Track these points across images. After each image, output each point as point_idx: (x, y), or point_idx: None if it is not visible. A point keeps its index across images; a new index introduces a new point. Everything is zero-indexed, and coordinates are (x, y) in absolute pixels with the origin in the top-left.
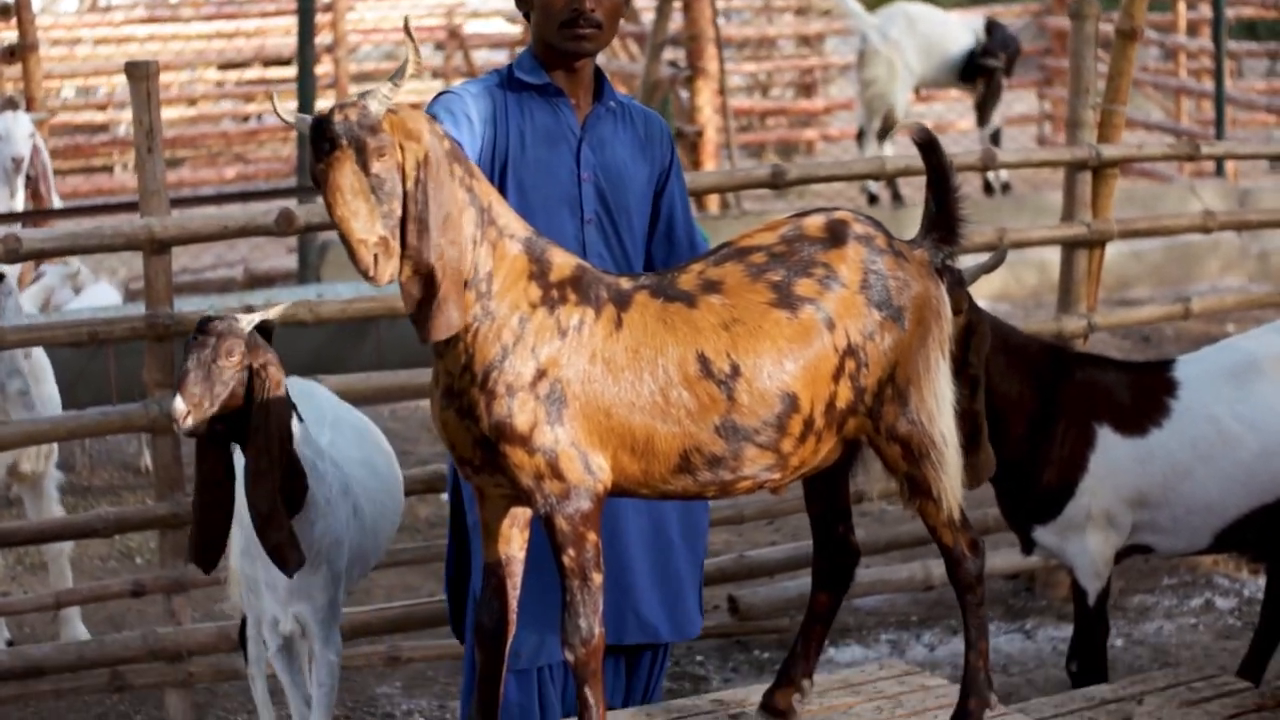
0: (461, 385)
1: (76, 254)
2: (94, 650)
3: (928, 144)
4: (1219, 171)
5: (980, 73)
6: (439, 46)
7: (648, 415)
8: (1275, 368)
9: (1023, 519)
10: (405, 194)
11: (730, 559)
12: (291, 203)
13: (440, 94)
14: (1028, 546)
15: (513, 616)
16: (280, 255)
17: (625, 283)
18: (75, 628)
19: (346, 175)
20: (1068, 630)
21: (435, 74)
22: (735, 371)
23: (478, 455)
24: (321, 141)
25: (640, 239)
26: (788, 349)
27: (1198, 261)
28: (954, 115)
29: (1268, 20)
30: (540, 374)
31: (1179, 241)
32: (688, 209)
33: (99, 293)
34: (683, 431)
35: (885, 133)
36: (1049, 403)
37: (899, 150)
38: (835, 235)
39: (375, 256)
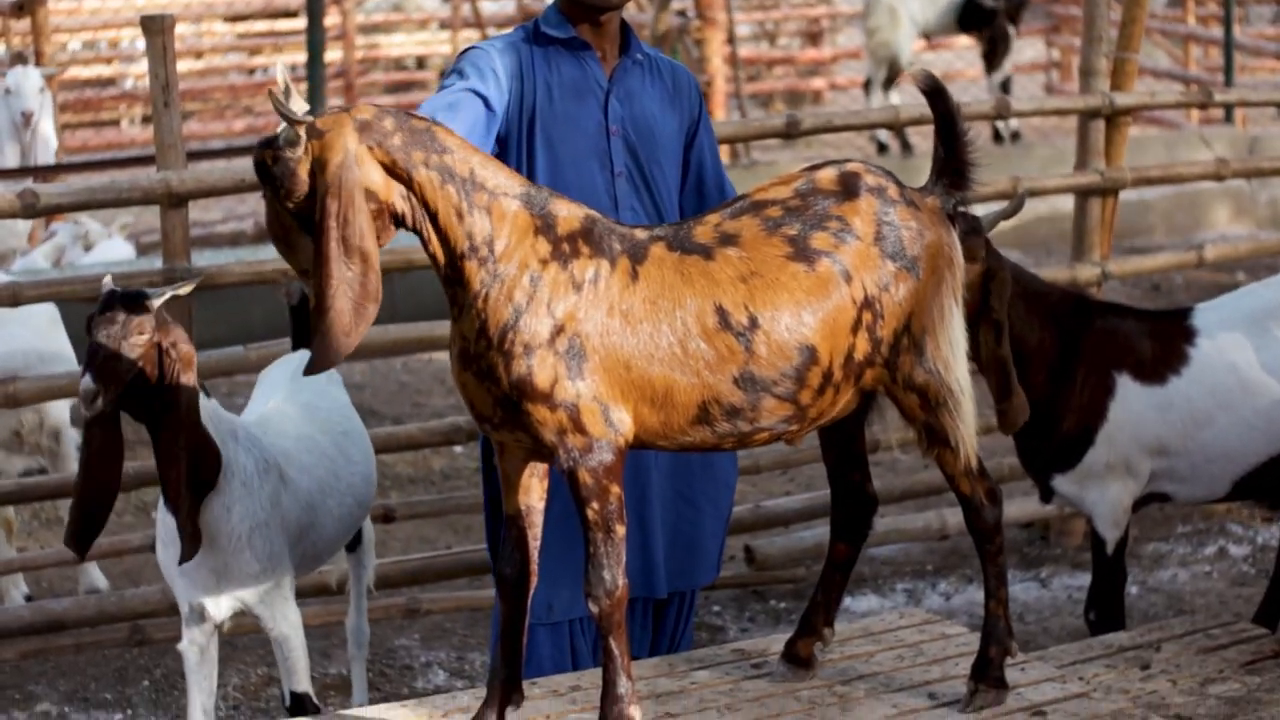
0: (478, 349)
1: (93, 208)
2: (114, 604)
3: (934, 90)
4: (1228, 119)
5: (984, 20)
6: None
7: (667, 367)
8: None
9: (1041, 467)
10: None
11: (746, 509)
12: None
13: (466, 50)
14: (1046, 495)
15: (534, 567)
16: None
17: (640, 234)
18: (94, 577)
19: (273, 214)
20: (1083, 578)
21: (443, 25)
22: (753, 324)
23: (498, 413)
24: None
25: (673, 192)
26: (805, 301)
27: (1206, 209)
28: (962, 63)
29: None
30: (558, 329)
31: (1187, 189)
32: (718, 161)
33: (111, 248)
34: (701, 383)
35: (890, 81)
36: (1069, 350)
37: (906, 99)
38: (848, 188)
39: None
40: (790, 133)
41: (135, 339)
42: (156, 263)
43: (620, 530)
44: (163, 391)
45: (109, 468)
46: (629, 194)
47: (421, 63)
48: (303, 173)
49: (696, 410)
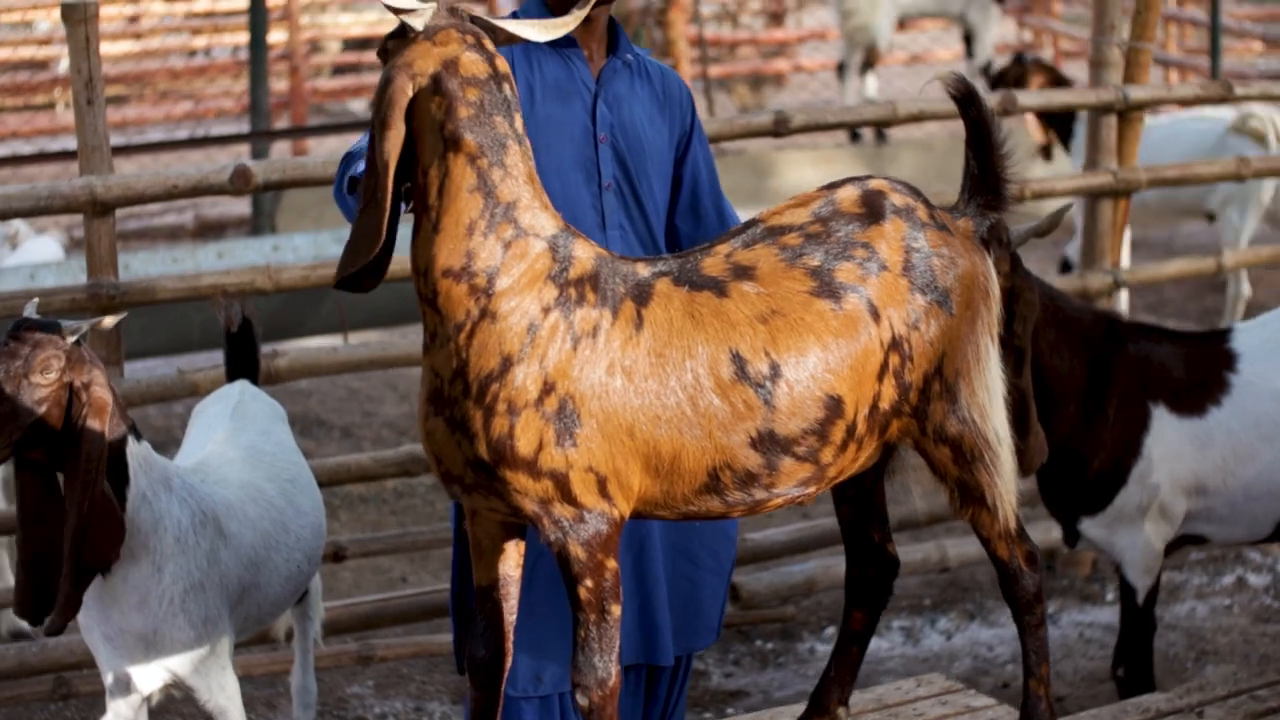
0: (453, 393)
1: (9, 218)
2: (35, 655)
3: (966, 97)
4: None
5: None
6: None
7: (674, 429)
8: None
9: (1068, 508)
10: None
11: None
12: (245, 150)
13: None
14: (1071, 538)
15: (509, 645)
16: (232, 200)
17: (643, 269)
18: (16, 619)
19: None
20: (1094, 613)
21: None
22: (775, 372)
23: (469, 475)
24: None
25: (662, 208)
26: (832, 344)
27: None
28: (937, 46)
29: None
30: (548, 388)
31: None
32: (714, 177)
33: (39, 247)
34: (714, 445)
35: (868, 66)
36: (1100, 380)
37: (881, 84)
38: (873, 209)
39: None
40: (779, 131)
41: (39, 378)
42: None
43: (616, 611)
44: (70, 439)
45: (50, 518)
46: (617, 209)
47: (368, 44)
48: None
49: (705, 478)
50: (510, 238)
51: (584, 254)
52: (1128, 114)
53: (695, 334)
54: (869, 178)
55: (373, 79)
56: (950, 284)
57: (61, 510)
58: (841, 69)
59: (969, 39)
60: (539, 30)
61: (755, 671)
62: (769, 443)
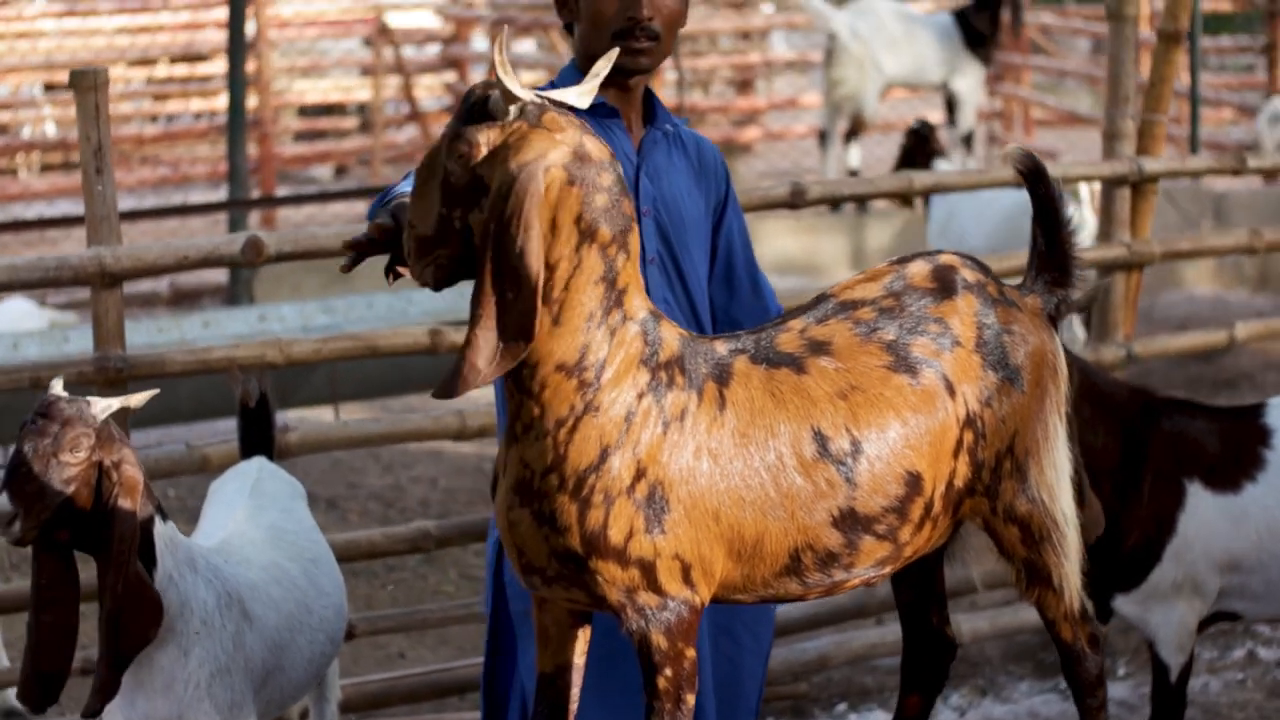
0: (544, 487)
1: (16, 289)
2: None
3: (1034, 172)
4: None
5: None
6: (367, 42)
7: (758, 511)
8: None
9: (1102, 585)
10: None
11: None
12: (222, 219)
13: None
14: (1104, 615)
15: None
16: (208, 269)
17: (720, 347)
18: (7, 696)
19: (435, 150)
20: (1108, 686)
21: (365, 71)
22: (856, 449)
23: (553, 567)
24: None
25: (703, 280)
26: (911, 420)
27: (1170, 269)
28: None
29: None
30: (640, 474)
31: None
32: (748, 246)
33: (12, 308)
34: (796, 526)
35: (853, 135)
36: (1135, 456)
37: (865, 154)
38: (944, 284)
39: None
40: (795, 202)
41: (68, 456)
42: (61, 316)
43: (691, 700)
44: (99, 520)
45: (67, 603)
46: (660, 284)
47: (341, 109)
48: (483, 144)
49: (787, 559)
50: (616, 324)
51: (669, 335)
52: (1141, 186)
53: (777, 413)
54: (938, 253)
55: (334, 146)
56: (1021, 361)
57: (75, 593)
58: (823, 137)
59: (951, 107)
60: (579, 96)
61: None
62: (850, 521)
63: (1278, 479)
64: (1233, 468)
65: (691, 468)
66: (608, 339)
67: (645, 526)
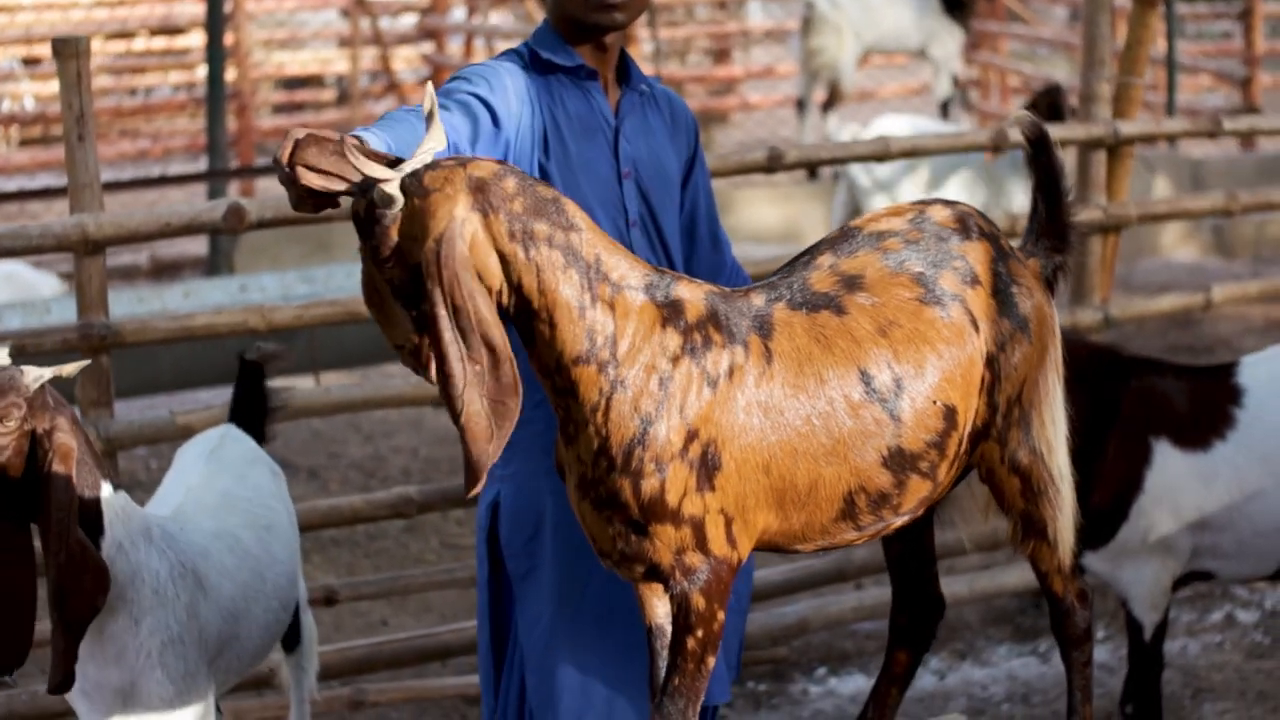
0: (598, 473)
1: (1, 257)
2: (25, 704)
3: (1040, 141)
4: (1171, 143)
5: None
6: (344, 14)
7: (811, 459)
8: None
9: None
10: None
11: None
12: (201, 190)
13: (467, 68)
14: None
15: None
16: (188, 240)
17: (757, 299)
18: None
19: (367, 276)
20: None
21: (342, 42)
22: (898, 386)
23: (618, 546)
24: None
25: (680, 240)
26: (945, 354)
27: (1147, 235)
28: (891, 81)
29: None
30: (692, 435)
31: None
32: (712, 202)
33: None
34: (849, 469)
35: (830, 103)
36: (1102, 414)
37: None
38: (964, 227)
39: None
40: (772, 166)
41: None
42: (48, 277)
43: (711, 662)
44: (34, 488)
45: (14, 567)
46: (644, 246)
47: (319, 81)
48: (395, 236)
49: (841, 504)
50: (611, 296)
51: (692, 293)
52: (1117, 149)
53: (825, 358)
54: (955, 202)
55: (312, 118)
56: (1028, 313)
57: (26, 556)
58: (800, 105)
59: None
60: (429, 153)
61: (748, 713)
62: (899, 459)
63: (1249, 438)
64: (1203, 426)
65: (743, 424)
66: (609, 313)
67: (697, 485)
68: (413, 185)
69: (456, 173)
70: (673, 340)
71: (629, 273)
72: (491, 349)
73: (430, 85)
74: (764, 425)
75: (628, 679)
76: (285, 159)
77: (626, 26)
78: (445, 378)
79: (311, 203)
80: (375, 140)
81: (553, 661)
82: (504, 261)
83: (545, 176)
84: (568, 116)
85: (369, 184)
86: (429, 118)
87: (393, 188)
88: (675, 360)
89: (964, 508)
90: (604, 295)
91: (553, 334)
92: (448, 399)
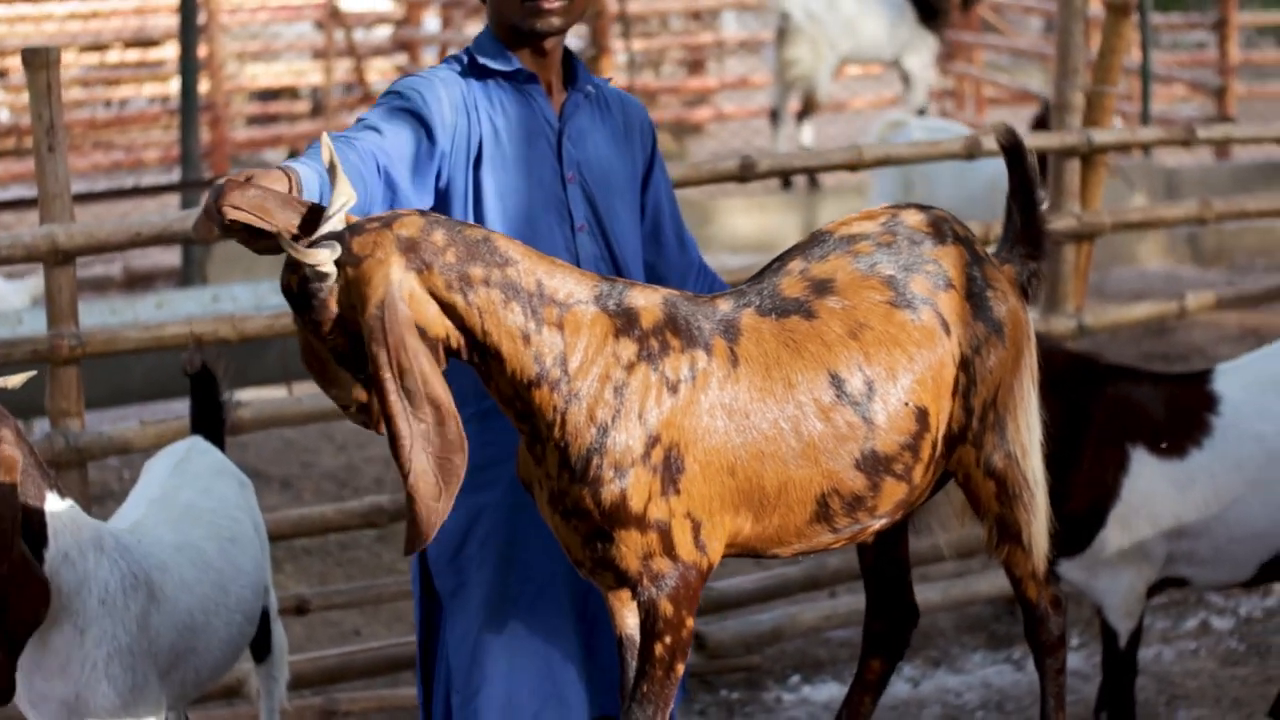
0: (562, 485)
1: None
2: None
3: (1015, 148)
4: (1146, 152)
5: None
6: (318, 25)
7: (779, 462)
8: None
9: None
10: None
11: None
12: (174, 201)
13: (400, 79)
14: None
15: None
16: (162, 251)
17: (723, 305)
18: None
19: (306, 344)
20: None
21: (317, 54)
22: (870, 389)
23: (587, 554)
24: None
25: (633, 245)
26: (916, 356)
27: (1122, 244)
28: (867, 92)
29: None
30: (653, 441)
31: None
32: (674, 204)
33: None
34: (821, 472)
35: (805, 114)
36: (1079, 421)
37: (818, 132)
38: (938, 231)
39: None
40: (745, 176)
41: None
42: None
43: (680, 669)
44: None
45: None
46: (592, 252)
47: (294, 93)
48: (334, 306)
49: (815, 507)
50: (559, 317)
51: (647, 300)
52: (1091, 157)
53: (794, 362)
54: (930, 207)
55: (286, 130)
56: (1003, 317)
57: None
58: (774, 116)
59: (905, 83)
60: (337, 221)
61: None
62: (872, 462)
63: (1224, 445)
64: (1179, 434)
65: (707, 427)
66: (557, 333)
67: (661, 489)
68: (344, 256)
69: (384, 235)
70: (627, 348)
71: (575, 288)
72: (437, 407)
73: (326, 135)
74: (729, 428)
75: (555, 695)
76: (215, 206)
77: (564, 31)
78: (393, 438)
79: (252, 242)
80: (306, 170)
81: (479, 679)
82: (446, 310)
83: (479, 187)
84: (508, 122)
85: (300, 266)
86: (331, 170)
87: (325, 264)
88: (631, 368)
89: (940, 514)
90: (551, 318)
91: (503, 366)
92: (396, 459)
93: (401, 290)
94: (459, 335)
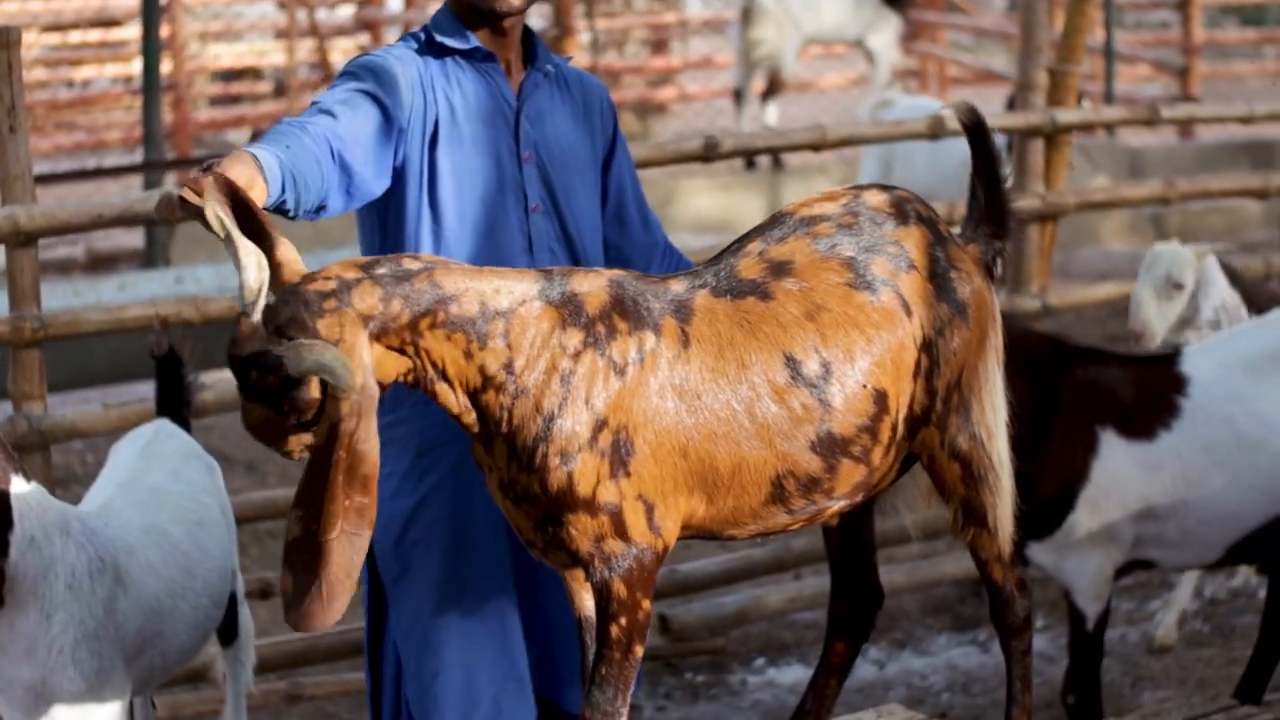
0: (511, 475)
1: None
2: None
3: (976, 127)
4: (1110, 132)
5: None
6: (281, 5)
7: (732, 443)
8: None
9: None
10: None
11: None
12: (136, 182)
13: (355, 58)
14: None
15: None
16: (125, 233)
17: (676, 285)
18: None
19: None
20: None
21: (279, 34)
22: (826, 371)
23: (539, 536)
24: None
25: (591, 226)
26: (875, 338)
27: (1086, 224)
28: (830, 72)
29: None
30: (600, 425)
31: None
32: (637, 183)
33: None
34: (775, 454)
35: (770, 93)
36: (1046, 403)
37: (782, 112)
38: (901, 212)
39: None
40: (709, 155)
41: None
42: None
43: (639, 652)
44: None
45: None
46: (545, 232)
47: (256, 73)
48: (314, 395)
49: (769, 488)
50: (502, 326)
51: (591, 286)
52: (1055, 137)
53: (748, 343)
54: (893, 187)
55: (249, 110)
56: (967, 298)
57: None
58: (738, 95)
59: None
60: (261, 303)
61: (687, 704)
62: (828, 444)
63: (1193, 427)
64: (1147, 415)
65: (657, 408)
66: (502, 339)
67: (610, 472)
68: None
69: (346, 315)
70: (574, 337)
71: (516, 288)
72: (368, 489)
73: (221, 211)
74: (679, 408)
75: (514, 676)
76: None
77: (523, 11)
78: (326, 514)
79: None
80: (267, 155)
81: (434, 665)
82: (400, 353)
83: (434, 167)
84: (465, 101)
85: (264, 356)
86: (228, 241)
87: (296, 359)
88: (577, 356)
89: (907, 495)
90: (496, 330)
91: (451, 387)
92: (317, 528)
93: (370, 371)
94: (406, 374)
